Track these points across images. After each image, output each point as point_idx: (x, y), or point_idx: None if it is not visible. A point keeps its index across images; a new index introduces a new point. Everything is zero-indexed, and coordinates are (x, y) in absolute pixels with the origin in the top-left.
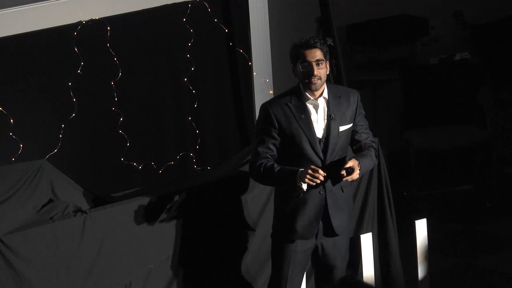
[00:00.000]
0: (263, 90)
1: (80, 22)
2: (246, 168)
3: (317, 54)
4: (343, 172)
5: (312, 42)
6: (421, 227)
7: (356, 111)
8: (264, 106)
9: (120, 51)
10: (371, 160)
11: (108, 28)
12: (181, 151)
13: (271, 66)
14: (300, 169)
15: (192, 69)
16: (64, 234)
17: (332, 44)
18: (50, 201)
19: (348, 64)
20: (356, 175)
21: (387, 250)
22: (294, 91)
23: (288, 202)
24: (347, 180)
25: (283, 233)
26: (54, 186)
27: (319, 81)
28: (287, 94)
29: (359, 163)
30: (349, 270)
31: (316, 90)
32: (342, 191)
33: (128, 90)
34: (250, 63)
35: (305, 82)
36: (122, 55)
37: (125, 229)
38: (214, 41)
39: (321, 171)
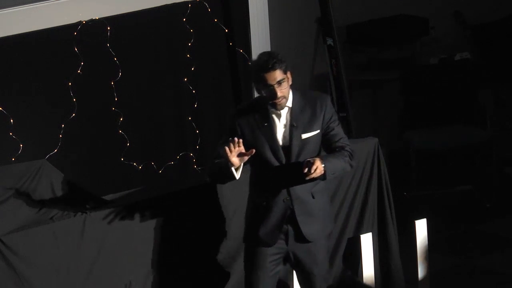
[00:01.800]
0: None
1: (80, 22)
2: None
3: (277, 75)
4: (305, 169)
5: (270, 65)
6: (421, 227)
7: (323, 117)
8: (229, 116)
9: (120, 51)
10: (341, 160)
11: (108, 28)
12: (181, 151)
13: None
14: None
15: (192, 69)
16: (64, 234)
17: (332, 44)
18: (50, 201)
19: (348, 64)
20: (316, 169)
21: (387, 250)
22: (259, 100)
23: (255, 209)
24: (311, 179)
25: (248, 240)
26: (54, 186)
27: (284, 99)
28: (251, 104)
29: (322, 160)
30: (349, 270)
31: (283, 108)
32: (313, 197)
33: (128, 90)
34: (250, 63)
35: (271, 103)
36: (122, 55)
37: (125, 229)
38: (214, 41)
39: (227, 148)
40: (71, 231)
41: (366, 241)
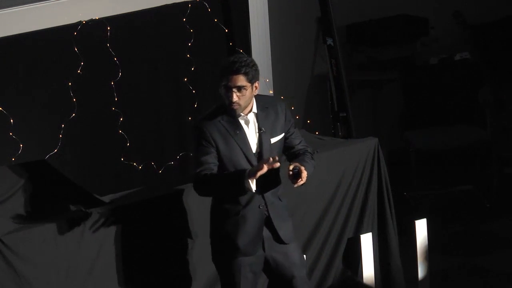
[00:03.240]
0: (263, 90)
1: (80, 22)
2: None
3: (239, 80)
4: (290, 172)
5: (235, 67)
6: (421, 227)
7: (285, 119)
8: (197, 126)
9: (120, 51)
10: (311, 164)
11: (108, 28)
12: (181, 151)
13: (271, 66)
14: (247, 169)
15: (192, 69)
16: (64, 234)
17: (332, 44)
18: (50, 201)
19: (348, 64)
20: (304, 177)
21: (387, 250)
22: (224, 108)
23: (227, 220)
24: (294, 185)
25: (226, 252)
26: (54, 186)
27: (238, 106)
28: (217, 111)
29: (305, 167)
30: (349, 270)
31: (237, 114)
32: (280, 200)
33: (128, 90)
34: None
35: (228, 107)
36: (122, 55)
37: (125, 229)
38: (214, 41)
39: (264, 165)
40: (71, 231)
41: (366, 241)
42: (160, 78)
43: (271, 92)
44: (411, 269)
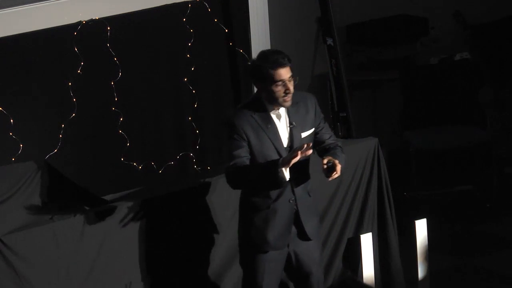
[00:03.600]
0: None
1: (80, 22)
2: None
3: (289, 70)
4: (325, 166)
5: (283, 60)
6: (421, 227)
7: (315, 115)
8: (229, 120)
9: (120, 51)
10: (343, 158)
11: (108, 28)
12: (181, 151)
13: None
14: (279, 158)
15: (192, 69)
16: (64, 234)
17: (332, 44)
18: (50, 201)
19: (348, 64)
20: (339, 170)
21: (387, 250)
22: (256, 102)
23: (257, 213)
24: (329, 178)
25: (254, 245)
26: (54, 186)
27: (291, 96)
28: (249, 105)
29: (339, 161)
30: (349, 270)
31: (290, 105)
32: (309, 195)
33: (128, 90)
34: (251, 62)
35: (280, 100)
36: (122, 55)
37: (125, 229)
38: (214, 41)
39: (298, 152)
40: (71, 231)
41: (366, 241)
42: (160, 78)
43: None
44: (411, 269)
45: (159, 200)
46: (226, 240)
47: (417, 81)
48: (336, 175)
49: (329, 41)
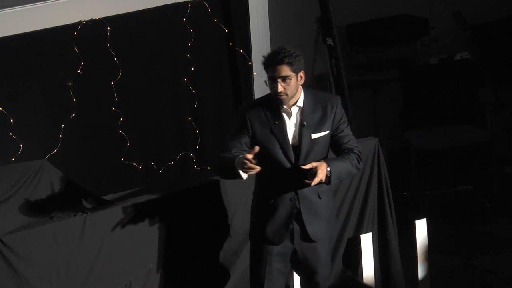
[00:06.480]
0: (263, 90)
1: (80, 22)
2: None
3: (283, 70)
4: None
5: (278, 58)
6: (421, 227)
7: (333, 118)
8: (241, 110)
9: (120, 51)
10: (348, 163)
11: (108, 28)
12: (181, 151)
13: None
14: (240, 155)
15: (192, 69)
16: (64, 234)
17: (332, 44)
18: (51, 201)
19: (348, 64)
20: (317, 178)
21: (387, 250)
22: (270, 98)
23: (260, 207)
24: (316, 183)
25: (255, 239)
26: (54, 186)
27: (285, 96)
28: (263, 100)
29: (328, 165)
30: (349, 270)
31: (283, 105)
32: (319, 197)
33: (128, 90)
34: (250, 63)
35: (275, 98)
36: (122, 55)
37: (125, 229)
38: (214, 41)
39: (252, 164)
40: (71, 231)
41: (366, 241)
42: (160, 78)
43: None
44: (411, 269)
45: (159, 200)
46: (227, 240)
47: (417, 81)
48: (313, 181)
49: (329, 41)
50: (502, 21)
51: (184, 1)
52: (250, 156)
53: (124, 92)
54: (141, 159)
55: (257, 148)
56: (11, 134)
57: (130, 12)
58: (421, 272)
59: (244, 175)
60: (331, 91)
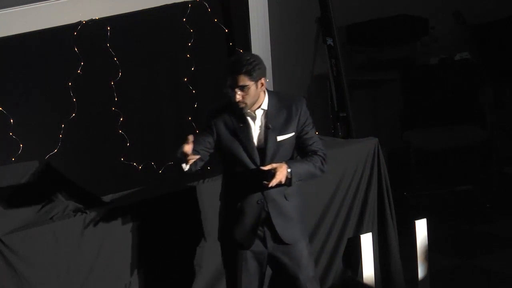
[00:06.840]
0: None
1: (80, 22)
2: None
3: (241, 80)
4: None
5: (236, 67)
6: (421, 227)
7: (298, 120)
8: (206, 114)
9: (120, 51)
10: (310, 165)
11: (108, 28)
12: None
13: (271, 66)
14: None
15: (192, 69)
16: (64, 234)
17: (332, 44)
18: (50, 201)
19: (348, 64)
20: (275, 179)
21: (387, 250)
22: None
23: (228, 210)
24: (275, 184)
25: (225, 243)
26: (54, 186)
27: (244, 105)
28: (229, 104)
29: (289, 166)
30: (349, 270)
31: (244, 111)
32: (286, 199)
33: (128, 90)
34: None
35: (236, 105)
36: (122, 55)
37: (125, 229)
38: (214, 41)
39: (186, 147)
40: (71, 231)
41: (366, 241)
42: (160, 78)
43: None
44: (411, 269)
45: (159, 200)
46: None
47: (417, 81)
48: (270, 183)
49: (329, 41)
50: (502, 21)
51: (184, 1)
52: (186, 149)
53: (124, 92)
54: (141, 159)
55: (191, 137)
56: (11, 134)
57: (130, 12)
58: (421, 272)
59: (186, 166)
60: (331, 91)
